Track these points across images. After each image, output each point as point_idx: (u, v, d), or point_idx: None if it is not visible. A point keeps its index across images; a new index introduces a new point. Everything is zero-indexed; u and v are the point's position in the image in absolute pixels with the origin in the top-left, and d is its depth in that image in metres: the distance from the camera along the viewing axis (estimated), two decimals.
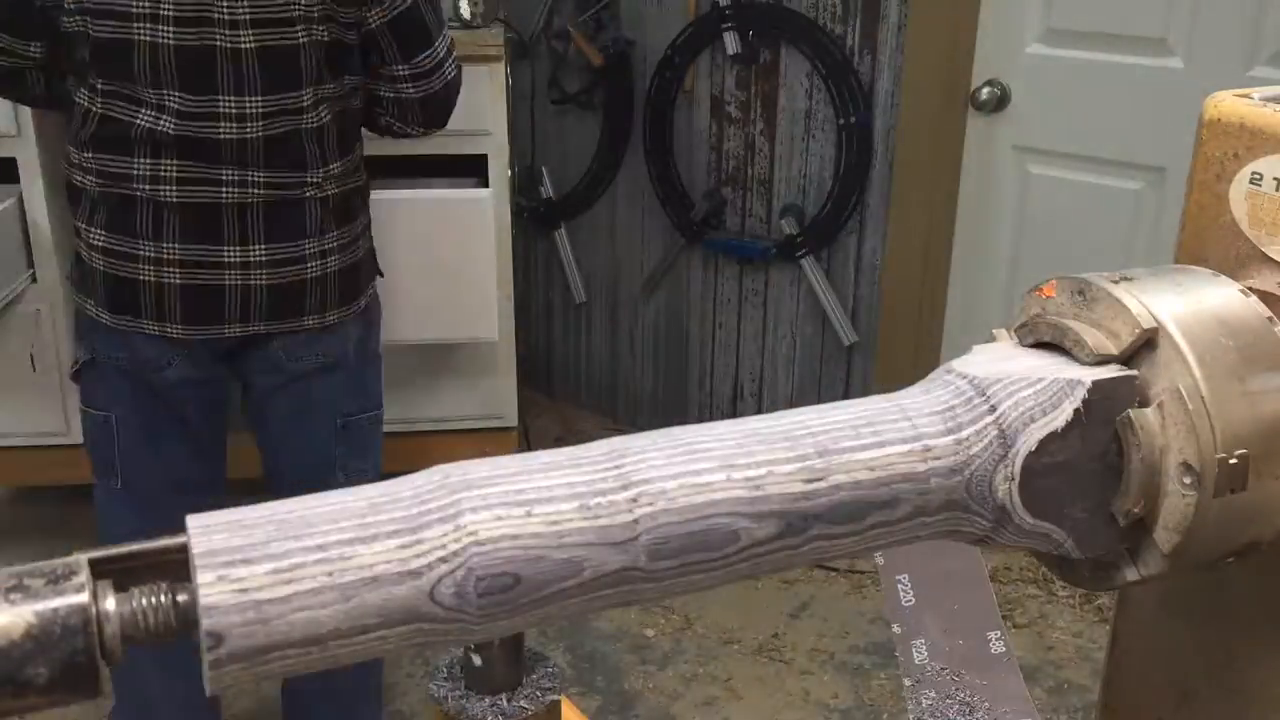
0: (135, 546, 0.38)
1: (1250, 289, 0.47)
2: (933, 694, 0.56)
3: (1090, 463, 0.45)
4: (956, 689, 0.56)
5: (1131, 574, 0.46)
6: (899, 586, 0.56)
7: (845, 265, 2.91)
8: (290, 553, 0.37)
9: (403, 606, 0.38)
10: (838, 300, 2.93)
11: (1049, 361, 0.46)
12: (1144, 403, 0.44)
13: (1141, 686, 0.56)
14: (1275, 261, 0.47)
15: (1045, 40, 2.57)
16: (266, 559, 0.37)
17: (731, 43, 2.89)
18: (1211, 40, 2.35)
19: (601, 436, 0.44)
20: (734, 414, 2.87)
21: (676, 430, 0.44)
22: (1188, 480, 0.44)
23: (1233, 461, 0.43)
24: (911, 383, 0.47)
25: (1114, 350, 0.45)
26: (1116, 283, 0.46)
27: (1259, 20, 2.28)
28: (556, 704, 0.47)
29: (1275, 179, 0.47)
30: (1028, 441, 0.44)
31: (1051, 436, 0.44)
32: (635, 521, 0.40)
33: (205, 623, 0.36)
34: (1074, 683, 2.44)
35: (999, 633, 0.57)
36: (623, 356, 3.46)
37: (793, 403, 3.11)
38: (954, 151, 2.73)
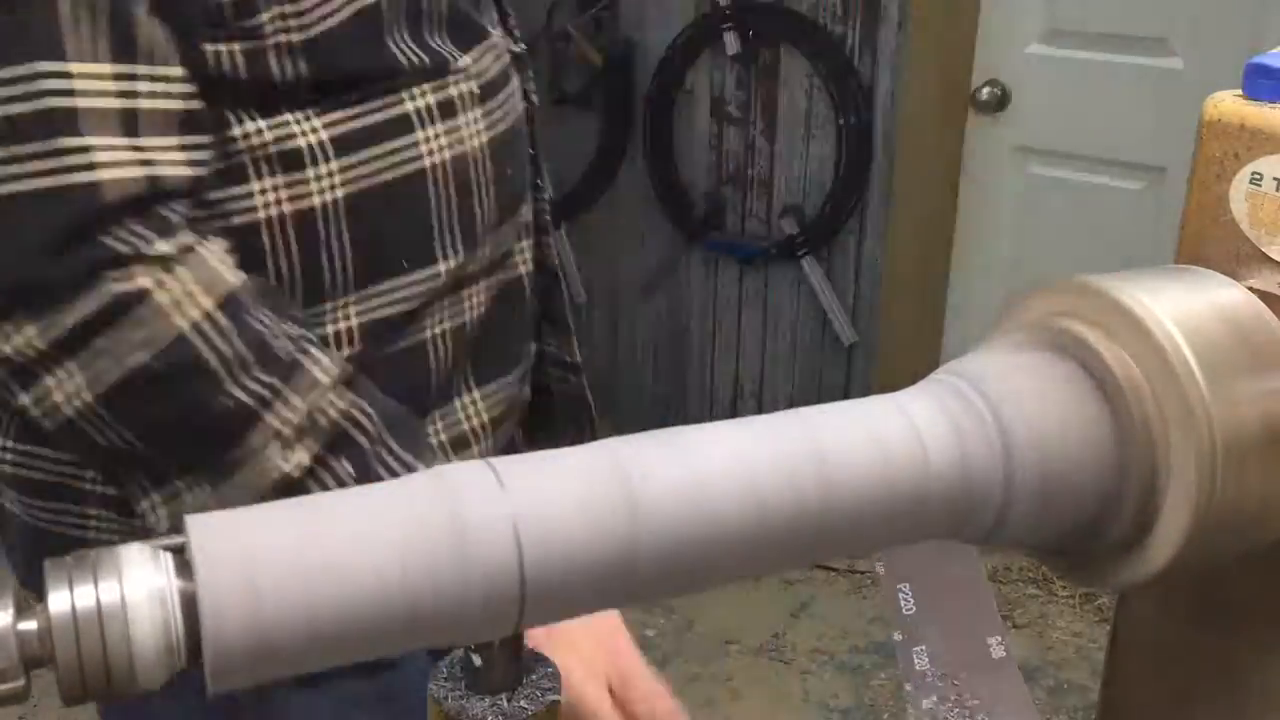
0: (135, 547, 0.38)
1: (1250, 289, 0.47)
2: (933, 699, 0.56)
3: (1091, 458, 0.45)
4: (957, 694, 0.56)
5: (1137, 573, 0.46)
6: (900, 595, 0.56)
7: (845, 265, 2.91)
8: (287, 535, 0.37)
9: (403, 590, 0.38)
10: (838, 300, 2.93)
11: (1047, 361, 0.47)
12: (1143, 399, 0.44)
13: (1141, 686, 0.56)
14: (1275, 261, 0.47)
15: (1046, 40, 2.57)
16: (264, 542, 0.37)
17: (731, 43, 2.89)
18: (1211, 40, 2.35)
19: (601, 436, 0.44)
20: (734, 414, 2.87)
21: (671, 429, 0.44)
22: (1189, 476, 0.44)
23: (1233, 458, 0.44)
24: (911, 383, 0.47)
25: (1113, 350, 0.45)
26: (1114, 283, 0.46)
27: (1259, 20, 2.28)
28: (556, 704, 0.47)
29: (1275, 179, 0.47)
30: (1027, 437, 0.44)
31: (1051, 431, 0.44)
32: (632, 501, 0.40)
33: (204, 605, 0.36)
34: (1074, 683, 2.44)
35: (999, 637, 0.57)
36: (623, 356, 3.46)
37: (793, 403, 3.11)
38: (954, 152, 2.73)
